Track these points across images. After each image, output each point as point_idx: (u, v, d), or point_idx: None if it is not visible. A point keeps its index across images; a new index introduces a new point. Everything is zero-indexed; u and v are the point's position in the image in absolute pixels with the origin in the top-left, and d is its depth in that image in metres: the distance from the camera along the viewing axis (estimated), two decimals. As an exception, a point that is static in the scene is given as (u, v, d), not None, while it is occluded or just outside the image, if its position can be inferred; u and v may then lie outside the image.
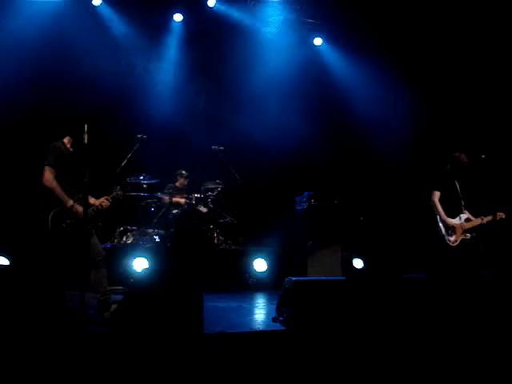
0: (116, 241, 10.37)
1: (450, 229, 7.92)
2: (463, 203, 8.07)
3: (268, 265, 10.10)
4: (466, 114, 10.81)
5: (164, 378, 4.98)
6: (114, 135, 10.06)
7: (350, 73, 12.19)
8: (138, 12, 11.29)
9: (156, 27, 11.68)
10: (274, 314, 6.59)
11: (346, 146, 12.71)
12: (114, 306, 6.40)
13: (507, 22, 9.82)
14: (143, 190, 10.54)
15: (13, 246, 8.90)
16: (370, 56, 11.68)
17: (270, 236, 11.05)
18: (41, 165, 6.39)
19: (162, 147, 11.56)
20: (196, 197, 10.76)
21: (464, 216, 8.02)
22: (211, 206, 10.86)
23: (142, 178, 10.35)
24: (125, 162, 10.14)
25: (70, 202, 6.31)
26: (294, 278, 6.47)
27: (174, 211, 10.63)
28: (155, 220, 10.72)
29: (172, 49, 12.09)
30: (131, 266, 9.15)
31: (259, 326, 6.56)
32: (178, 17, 11.59)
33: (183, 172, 11.28)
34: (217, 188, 11.00)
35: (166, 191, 10.89)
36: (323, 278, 7.60)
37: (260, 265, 10.09)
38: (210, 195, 10.92)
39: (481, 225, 8.01)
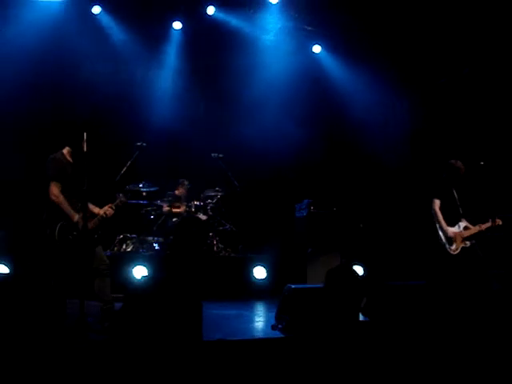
0: (116, 249, 10.38)
1: (451, 238, 7.91)
2: (461, 211, 8.06)
3: (267, 272, 10.09)
4: (465, 121, 10.83)
5: (163, 386, 4.98)
6: (113, 143, 10.08)
7: (349, 79, 12.23)
8: (137, 20, 11.36)
9: (155, 35, 11.74)
10: (273, 322, 6.59)
11: (344, 153, 12.71)
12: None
13: (505, 29, 9.85)
14: (143, 198, 10.55)
15: (13, 255, 8.90)
16: (369, 63, 11.73)
17: (270, 243, 11.04)
18: (41, 173, 6.39)
19: (162, 155, 11.57)
20: (195, 204, 10.77)
21: (462, 224, 7.99)
22: (211, 213, 10.87)
23: (141, 185, 10.35)
24: (124, 169, 10.14)
25: (76, 217, 6.31)
26: (293, 286, 6.47)
27: (174, 219, 10.63)
28: (155, 228, 10.73)
29: (171, 56, 12.14)
30: (131, 273, 9.16)
31: (258, 334, 6.56)
32: (177, 24, 11.66)
33: (185, 182, 11.28)
34: (216, 195, 11.01)
35: (165, 199, 10.89)
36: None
37: (259, 272, 10.08)
38: (209, 203, 10.93)
39: (479, 232, 8.00)
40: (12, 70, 10.15)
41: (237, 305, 8.84)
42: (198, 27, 11.77)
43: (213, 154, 11.17)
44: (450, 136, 10.98)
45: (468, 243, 7.91)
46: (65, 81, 10.88)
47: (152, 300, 5.56)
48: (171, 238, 10.25)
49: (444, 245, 7.89)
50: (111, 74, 11.36)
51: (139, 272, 9.17)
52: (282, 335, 6.25)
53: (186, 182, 11.29)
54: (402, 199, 11.74)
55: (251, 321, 7.78)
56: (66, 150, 6.51)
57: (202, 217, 10.66)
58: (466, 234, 7.95)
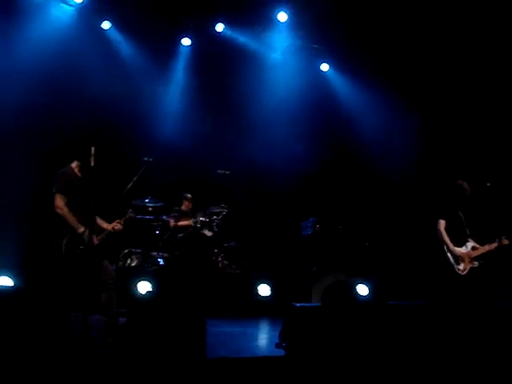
0: (120, 263, 10.36)
1: (459, 258, 7.88)
2: (468, 231, 8.04)
3: (272, 290, 10.05)
4: (471, 141, 10.83)
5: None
6: (120, 158, 10.10)
7: (356, 98, 12.26)
8: (146, 36, 11.43)
9: (164, 51, 11.81)
10: (277, 340, 6.55)
11: (350, 171, 12.70)
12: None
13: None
14: (148, 213, 10.56)
15: (18, 268, 8.89)
16: (376, 82, 11.74)
17: (275, 261, 11.01)
18: (48, 187, 6.41)
19: (168, 170, 11.59)
20: (201, 220, 10.76)
21: (470, 244, 7.97)
22: (216, 229, 10.84)
23: (147, 201, 10.37)
24: (131, 184, 10.14)
25: (81, 229, 6.31)
26: (297, 304, 6.45)
27: (179, 235, 10.62)
28: (160, 243, 10.72)
29: (179, 72, 12.20)
30: (135, 288, 9.14)
31: (262, 352, 6.53)
32: (186, 41, 11.72)
33: (187, 195, 11.29)
34: (222, 212, 10.99)
35: (171, 214, 10.89)
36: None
37: (264, 290, 10.04)
38: (215, 219, 10.91)
39: (488, 252, 7.97)
40: (20, 85, 10.17)
41: (241, 322, 8.81)
42: (207, 44, 11.84)
43: (219, 171, 11.18)
44: (456, 156, 10.97)
45: (476, 263, 7.89)
46: (73, 95, 10.90)
47: (156, 316, 5.55)
48: (176, 253, 10.24)
49: (452, 265, 7.86)
50: (119, 90, 11.39)
51: (144, 287, 9.15)
52: (286, 354, 6.22)
53: (189, 195, 11.29)
54: (407, 218, 11.71)
55: (255, 338, 7.76)
56: (74, 164, 6.53)
57: (208, 233, 10.64)
58: (475, 253, 7.92)
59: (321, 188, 12.43)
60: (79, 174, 6.50)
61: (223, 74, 12.14)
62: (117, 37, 11.43)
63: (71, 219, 6.31)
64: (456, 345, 6.47)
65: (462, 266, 7.85)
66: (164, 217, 10.77)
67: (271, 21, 11.56)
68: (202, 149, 11.93)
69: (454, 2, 10.15)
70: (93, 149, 6.07)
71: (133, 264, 10.33)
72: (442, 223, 7.97)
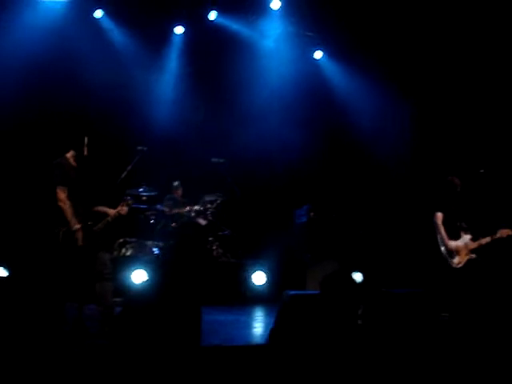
0: (115, 253, 10.35)
1: (453, 251, 7.86)
2: (464, 224, 8.01)
3: (267, 278, 10.08)
4: (465, 127, 10.83)
5: (161, 392, 4.97)
6: (113, 147, 10.06)
7: (350, 85, 12.22)
8: (139, 24, 11.37)
9: (157, 39, 11.75)
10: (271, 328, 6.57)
11: (345, 159, 12.70)
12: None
13: (506, 34, 9.90)
14: (143, 202, 10.54)
15: (12, 258, 8.89)
16: (370, 69, 11.73)
17: (270, 249, 11.02)
18: (42, 177, 6.41)
19: (162, 159, 11.55)
20: (195, 209, 10.76)
21: (467, 236, 7.93)
22: (210, 218, 10.85)
23: (141, 190, 10.35)
24: (125, 173, 10.11)
25: (76, 227, 6.32)
26: (291, 292, 6.46)
27: (174, 223, 10.62)
28: (154, 232, 10.72)
29: (172, 61, 12.15)
30: (130, 278, 9.15)
31: (256, 340, 6.55)
32: (179, 29, 11.66)
33: (175, 183, 11.26)
34: (216, 200, 10.98)
35: (165, 203, 10.88)
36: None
37: (259, 278, 10.08)
38: (209, 207, 10.90)
39: (487, 243, 7.93)
40: (11, 73, 10.11)
41: (235, 310, 8.84)
42: (200, 32, 11.78)
43: (213, 159, 11.15)
44: (450, 142, 10.97)
45: (474, 255, 7.85)
46: (65, 84, 10.85)
47: (151, 305, 5.56)
48: (171, 242, 10.25)
49: (446, 259, 7.85)
50: (113, 79, 11.33)
51: (138, 276, 9.16)
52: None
53: (176, 183, 11.26)
54: (402, 205, 11.73)
55: (249, 327, 7.78)
56: (69, 154, 6.52)
57: (202, 222, 10.65)
58: (474, 245, 7.86)
59: (315, 176, 12.43)
60: (75, 164, 6.50)
61: (216, 61, 12.09)
62: (109, 25, 11.35)
63: (70, 215, 6.32)
64: (451, 333, 6.51)
65: (456, 260, 7.81)
66: (158, 206, 10.76)
67: (264, 8, 11.51)
68: (196, 137, 11.91)
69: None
70: (86, 138, 6.06)
71: (127, 253, 10.32)
72: (440, 216, 7.95)
